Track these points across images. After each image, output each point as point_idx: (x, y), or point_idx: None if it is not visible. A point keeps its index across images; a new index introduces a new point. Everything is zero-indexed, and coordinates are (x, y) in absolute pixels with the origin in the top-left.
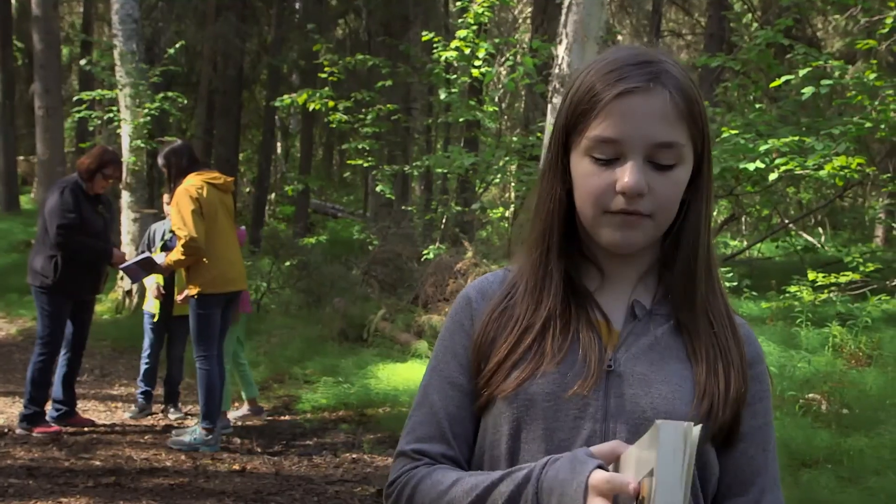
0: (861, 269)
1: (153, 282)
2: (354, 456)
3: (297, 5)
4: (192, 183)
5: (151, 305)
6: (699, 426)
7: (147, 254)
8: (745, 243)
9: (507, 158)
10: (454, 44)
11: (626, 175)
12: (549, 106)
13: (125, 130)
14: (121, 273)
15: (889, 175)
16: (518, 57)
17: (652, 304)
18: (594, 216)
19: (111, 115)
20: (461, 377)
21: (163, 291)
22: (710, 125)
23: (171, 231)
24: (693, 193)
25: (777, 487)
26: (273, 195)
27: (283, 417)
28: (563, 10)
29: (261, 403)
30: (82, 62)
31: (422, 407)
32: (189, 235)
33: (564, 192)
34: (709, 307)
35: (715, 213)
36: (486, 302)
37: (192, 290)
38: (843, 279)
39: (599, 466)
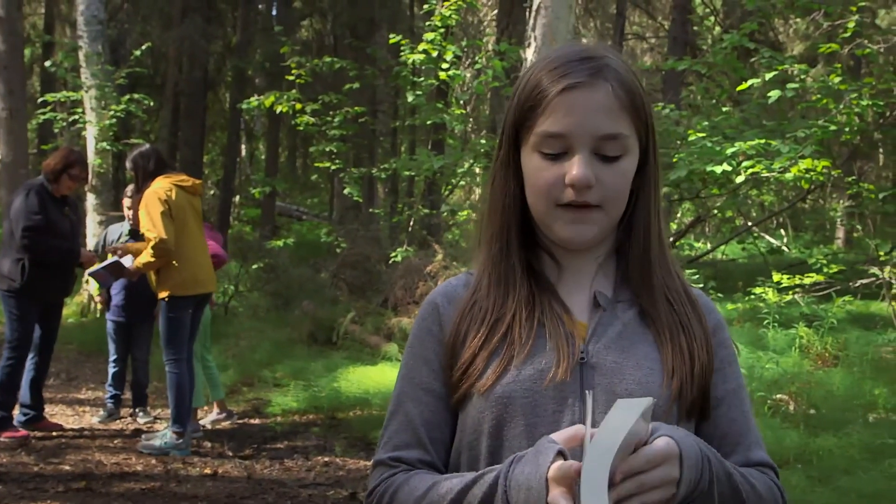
0: (825, 270)
1: (94, 286)
2: (326, 459)
3: (261, 7)
4: (161, 185)
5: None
6: (650, 399)
7: (116, 258)
8: (710, 245)
9: (472, 161)
10: (421, 46)
11: (574, 168)
12: None
13: (90, 132)
14: (86, 276)
15: (853, 178)
16: (486, 60)
17: (613, 292)
18: (546, 211)
19: (76, 117)
20: (434, 382)
21: (104, 298)
22: (676, 128)
23: (129, 234)
24: (641, 182)
25: (761, 446)
26: (237, 198)
27: (253, 421)
28: (532, 14)
29: (231, 407)
30: (47, 63)
31: (396, 415)
32: (159, 237)
33: (518, 189)
34: (666, 289)
35: (679, 215)
36: (453, 306)
37: (162, 294)
38: (807, 280)
39: (560, 452)
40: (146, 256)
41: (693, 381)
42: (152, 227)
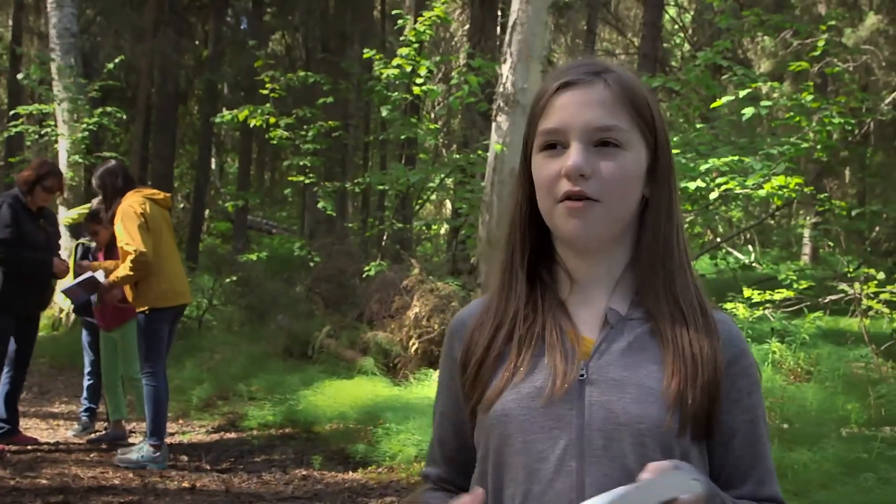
0: (795, 286)
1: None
2: (304, 472)
3: (230, 20)
4: (135, 199)
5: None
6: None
7: (90, 273)
8: None
9: (442, 175)
10: (395, 61)
11: (570, 158)
12: (494, 124)
13: (62, 145)
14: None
15: (825, 195)
16: (459, 76)
17: (628, 309)
18: (549, 208)
19: (48, 129)
20: (451, 404)
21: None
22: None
23: (81, 244)
24: (653, 186)
25: (773, 480)
26: (207, 211)
27: (229, 434)
28: (508, 30)
29: (206, 421)
30: (19, 76)
31: (433, 434)
32: (138, 250)
33: (525, 198)
34: (680, 299)
35: None
36: (467, 325)
37: (141, 308)
38: (777, 296)
39: None
40: (124, 270)
41: (696, 400)
42: (130, 240)
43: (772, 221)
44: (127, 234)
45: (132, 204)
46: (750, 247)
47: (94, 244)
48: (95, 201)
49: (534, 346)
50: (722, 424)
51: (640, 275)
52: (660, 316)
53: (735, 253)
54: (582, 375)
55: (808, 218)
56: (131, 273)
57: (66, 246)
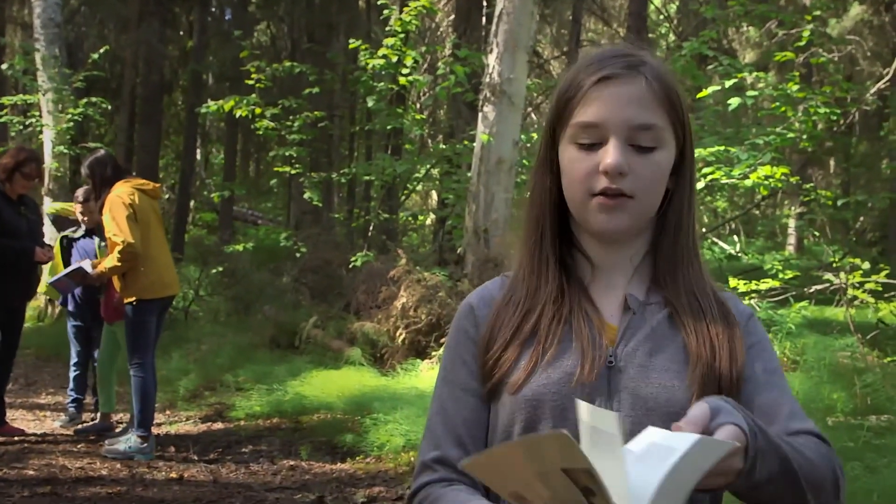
0: (780, 276)
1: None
2: (292, 463)
3: (215, 10)
4: (124, 190)
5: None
6: (731, 444)
7: (77, 264)
8: None
9: (429, 166)
10: (381, 51)
11: (608, 156)
12: (480, 114)
13: (47, 136)
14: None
15: (811, 184)
16: (445, 66)
17: (646, 295)
18: (581, 201)
19: (32, 120)
20: (472, 381)
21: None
22: None
23: (66, 236)
24: (677, 181)
25: (803, 416)
26: (192, 202)
27: (216, 425)
28: (494, 20)
29: (193, 412)
30: (3, 66)
31: (437, 416)
32: (126, 241)
33: (554, 184)
34: (696, 290)
35: None
36: (488, 307)
37: (128, 299)
38: (763, 286)
39: None
40: (112, 261)
41: (720, 382)
42: (118, 231)
43: (757, 211)
44: (115, 225)
45: (121, 194)
46: (735, 237)
47: (77, 234)
48: (80, 192)
49: (561, 330)
50: (745, 383)
51: (660, 263)
52: (678, 302)
53: (720, 243)
54: (611, 362)
55: (793, 208)
56: (119, 264)
57: (51, 236)
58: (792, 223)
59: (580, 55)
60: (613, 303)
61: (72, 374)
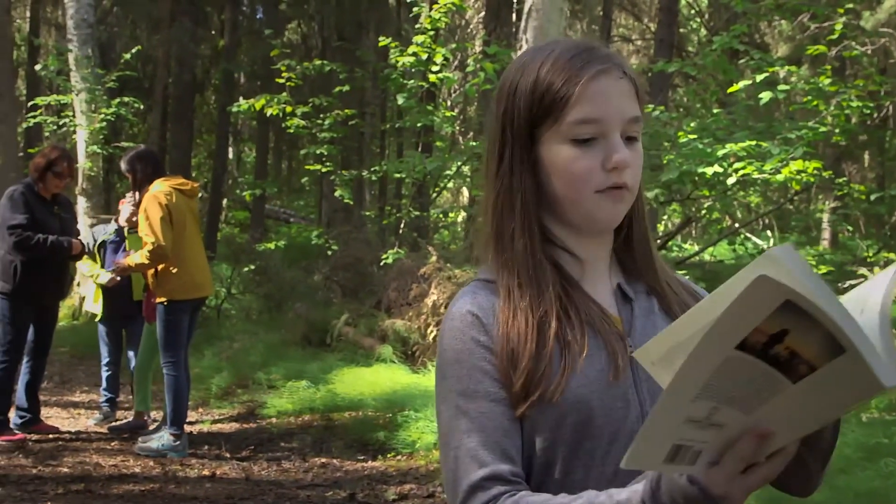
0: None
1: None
2: (323, 460)
3: (246, 9)
4: (161, 189)
5: (93, 306)
6: None
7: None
8: (697, 247)
9: (459, 163)
10: (411, 49)
11: (617, 150)
12: None
13: (81, 136)
14: (77, 279)
15: (845, 178)
16: (475, 63)
17: (629, 283)
18: (583, 198)
19: (66, 120)
20: (500, 390)
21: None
22: (665, 130)
23: (114, 233)
24: None
25: None
26: (225, 200)
27: (248, 423)
28: (524, 17)
29: (225, 409)
30: (37, 67)
31: (470, 434)
32: (156, 243)
33: (535, 185)
34: (666, 274)
35: (666, 217)
36: (492, 315)
37: (160, 298)
38: None
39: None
40: (141, 258)
41: None
42: (150, 232)
43: (791, 206)
44: (148, 225)
45: (157, 194)
46: (769, 232)
47: (114, 232)
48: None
49: (584, 330)
50: None
51: (636, 251)
52: (659, 288)
53: (754, 238)
54: (632, 353)
55: (827, 203)
56: (146, 262)
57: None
58: (826, 218)
59: (532, 50)
60: (606, 293)
61: (104, 374)
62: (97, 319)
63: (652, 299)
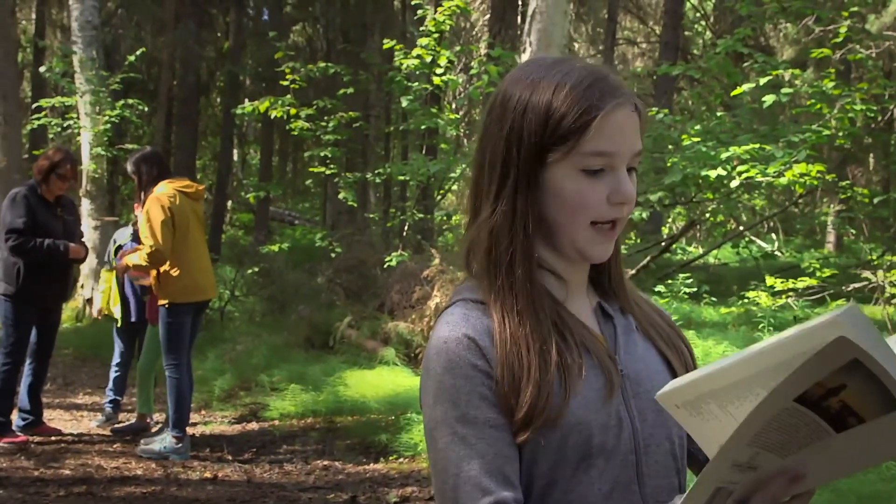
0: (818, 274)
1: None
2: (326, 463)
3: (251, 11)
4: (165, 191)
5: (112, 310)
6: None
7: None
8: (701, 250)
9: (464, 165)
10: (416, 51)
11: (625, 184)
12: None
13: (85, 138)
14: (81, 281)
15: (848, 182)
16: (479, 65)
17: (604, 301)
18: (577, 226)
19: (70, 122)
20: (499, 416)
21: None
22: (670, 132)
23: (131, 237)
24: None
25: None
26: (229, 202)
27: (251, 425)
28: (528, 19)
29: (227, 413)
30: (41, 69)
31: (469, 462)
32: (155, 245)
33: (531, 204)
34: (635, 295)
35: (670, 220)
36: (488, 339)
37: (162, 301)
38: (800, 284)
39: None
40: (140, 259)
41: (683, 369)
42: (150, 234)
43: (795, 209)
44: (148, 228)
45: (160, 196)
46: (773, 235)
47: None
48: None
49: (579, 351)
50: None
51: (607, 272)
52: (631, 309)
53: (758, 241)
54: (622, 370)
55: (831, 206)
56: (144, 263)
57: (90, 238)
58: (831, 221)
59: (539, 67)
60: (587, 312)
61: (112, 375)
62: (118, 326)
63: (628, 317)
